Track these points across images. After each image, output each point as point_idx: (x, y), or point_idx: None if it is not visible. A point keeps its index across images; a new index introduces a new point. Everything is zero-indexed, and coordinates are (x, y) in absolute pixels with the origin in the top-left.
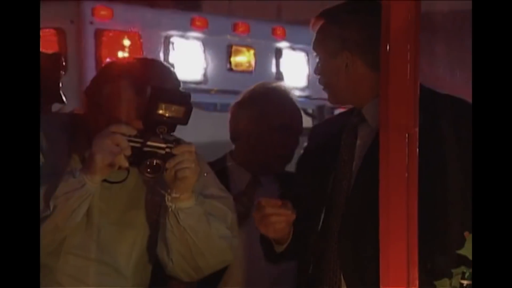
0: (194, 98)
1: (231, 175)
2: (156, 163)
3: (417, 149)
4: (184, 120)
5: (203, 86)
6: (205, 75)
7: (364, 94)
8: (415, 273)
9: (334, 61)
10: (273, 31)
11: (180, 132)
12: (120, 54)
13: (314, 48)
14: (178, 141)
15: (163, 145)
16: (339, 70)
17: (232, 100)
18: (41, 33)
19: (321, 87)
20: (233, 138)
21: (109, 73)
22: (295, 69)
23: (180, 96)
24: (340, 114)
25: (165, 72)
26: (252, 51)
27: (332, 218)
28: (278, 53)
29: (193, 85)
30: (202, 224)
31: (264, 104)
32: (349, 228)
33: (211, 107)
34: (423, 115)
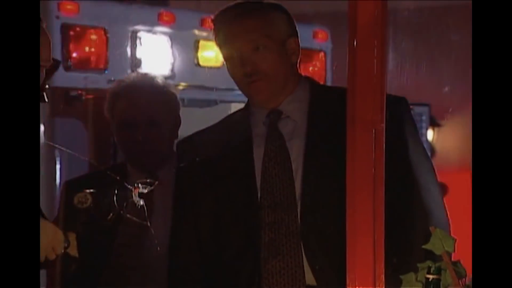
0: None
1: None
2: None
3: (384, 145)
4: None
5: (170, 81)
6: (172, 70)
7: (284, 92)
8: (381, 268)
9: (282, 50)
10: None
11: None
12: (87, 49)
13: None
14: None
15: None
16: (285, 61)
17: (200, 96)
18: None
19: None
20: None
21: None
22: None
23: None
24: (222, 122)
25: None
26: None
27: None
28: None
29: None
30: None
31: (114, 101)
32: (309, 228)
33: None
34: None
